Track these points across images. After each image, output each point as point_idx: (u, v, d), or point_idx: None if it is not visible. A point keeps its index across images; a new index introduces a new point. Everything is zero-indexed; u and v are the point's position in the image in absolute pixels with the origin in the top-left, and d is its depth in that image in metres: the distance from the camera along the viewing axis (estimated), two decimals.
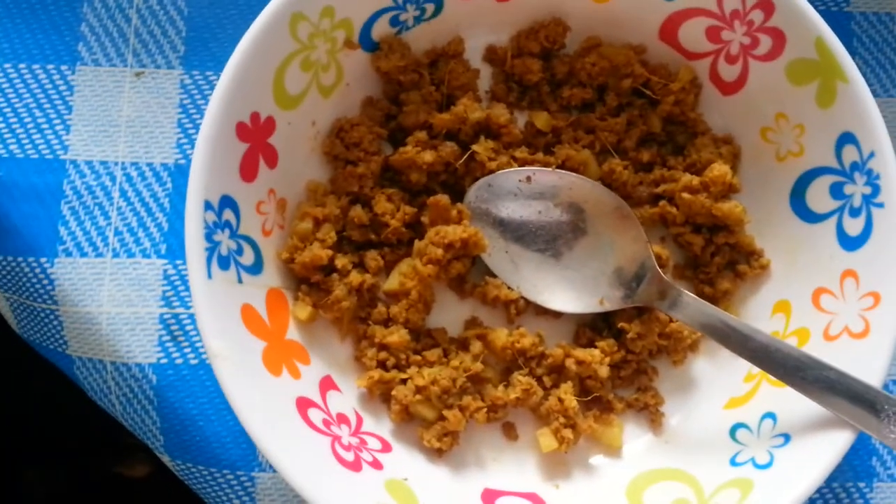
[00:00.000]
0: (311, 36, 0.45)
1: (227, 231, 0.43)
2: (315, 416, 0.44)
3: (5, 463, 0.82)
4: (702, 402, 0.49)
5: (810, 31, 0.45)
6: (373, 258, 0.49)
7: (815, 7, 0.55)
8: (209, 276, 0.41)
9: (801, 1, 0.45)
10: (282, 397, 0.43)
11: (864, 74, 0.55)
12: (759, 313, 0.49)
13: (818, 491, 0.50)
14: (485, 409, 0.47)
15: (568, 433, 0.46)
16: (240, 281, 0.44)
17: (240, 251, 0.44)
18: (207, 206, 0.42)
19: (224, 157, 0.43)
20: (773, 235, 0.50)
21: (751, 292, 0.50)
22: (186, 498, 0.54)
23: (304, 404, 0.44)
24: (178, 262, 0.50)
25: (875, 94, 0.54)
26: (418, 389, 0.46)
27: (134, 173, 0.51)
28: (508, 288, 0.49)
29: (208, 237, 0.42)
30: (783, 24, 0.46)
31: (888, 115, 0.55)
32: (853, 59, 0.55)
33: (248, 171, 0.44)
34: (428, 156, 0.48)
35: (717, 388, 0.49)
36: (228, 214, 0.43)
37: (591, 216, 0.49)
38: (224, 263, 0.43)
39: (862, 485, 0.51)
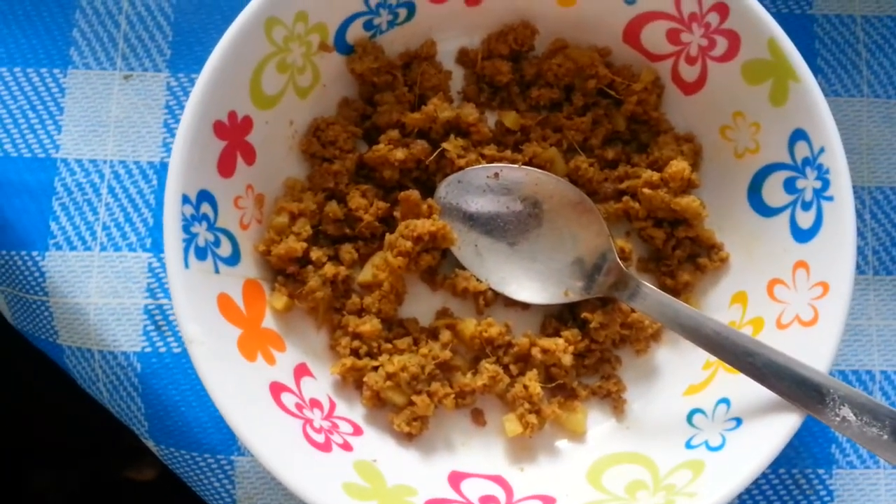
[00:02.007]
0: (286, 39, 0.48)
1: (204, 224, 0.45)
2: (288, 400, 0.46)
3: (17, 466, 0.83)
4: (663, 389, 0.51)
5: (763, 32, 0.47)
6: (347, 251, 0.51)
7: (779, 10, 0.57)
8: (186, 265, 0.44)
9: (754, 3, 0.47)
10: (255, 381, 0.45)
11: (825, 75, 0.57)
12: (718, 304, 0.51)
13: (779, 477, 0.52)
14: (453, 396, 0.49)
15: (532, 419, 0.48)
16: (217, 271, 0.46)
17: (217, 243, 0.46)
18: (185, 199, 0.44)
19: (202, 154, 0.45)
20: (732, 230, 0.52)
21: (711, 284, 0.52)
22: (192, 501, 0.55)
23: (277, 389, 0.46)
24: (163, 255, 0.52)
25: (836, 93, 0.57)
26: (389, 376, 0.48)
27: (121, 171, 0.54)
28: (477, 280, 0.51)
29: (186, 229, 0.44)
30: (738, 26, 0.48)
31: (850, 113, 0.57)
32: (815, 60, 0.57)
33: (225, 168, 0.47)
34: (400, 153, 0.51)
35: (677, 376, 0.51)
36: (206, 208, 0.46)
37: (556, 210, 0.51)
38: (201, 254, 0.45)
39: (821, 471, 0.52)
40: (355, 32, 0.51)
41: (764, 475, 0.52)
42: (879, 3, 0.58)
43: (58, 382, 0.60)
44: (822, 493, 0.52)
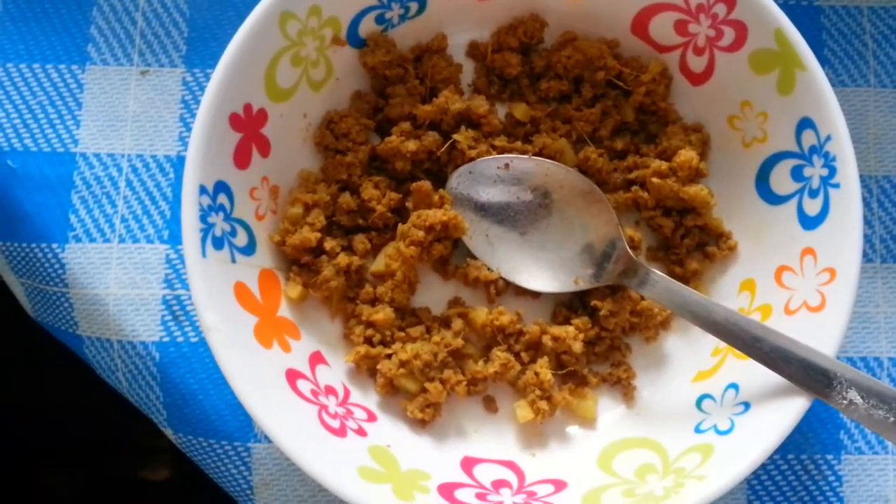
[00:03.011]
0: (299, 33, 0.49)
1: (221, 214, 0.46)
2: (303, 386, 0.47)
3: (31, 464, 0.85)
4: (672, 376, 0.52)
5: (770, 22, 0.48)
6: (360, 241, 0.52)
7: (786, 1, 0.58)
8: (204, 254, 0.45)
9: None
10: (271, 368, 0.46)
11: (832, 66, 0.58)
12: (727, 291, 0.52)
13: (787, 462, 0.53)
14: (465, 383, 0.50)
15: (543, 405, 0.49)
16: (233, 260, 0.47)
17: (233, 233, 0.47)
18: (202, 190, 0.45)
19: (218, 146, 0.46)
20: (740, 218, 0.52)
21: (719, 272, 0.53)
22: (205, 500, 0.56)
23: (293, 375, 0.47)
24: (180, 247, 0.54)
25: (843, 84, 0.57)
26: (402, 364, 0.49)
27: (139, 165, 0.55)
28: (489, 269, 0.52)
29: (203, 219, 0.45)
30: (745, 17, 0.49)
31: (857, 103, 0.57)
32: (822, 51, 0.58)
33: (241, 159, 0.48)
34: (412, 145, 0.52)
35: (686, 362, 0.51)
36: (223, 199, 0.47)
37: (565, 200, 0.52)
38: (218, 244, 0.46)
39: (830, 457, 0.53)
40: (367, 26, 0.52)
41: (773, 460, 0.52)
42: None
43: (70, 382, 0.61)
44: (831, 478, 0.53)
